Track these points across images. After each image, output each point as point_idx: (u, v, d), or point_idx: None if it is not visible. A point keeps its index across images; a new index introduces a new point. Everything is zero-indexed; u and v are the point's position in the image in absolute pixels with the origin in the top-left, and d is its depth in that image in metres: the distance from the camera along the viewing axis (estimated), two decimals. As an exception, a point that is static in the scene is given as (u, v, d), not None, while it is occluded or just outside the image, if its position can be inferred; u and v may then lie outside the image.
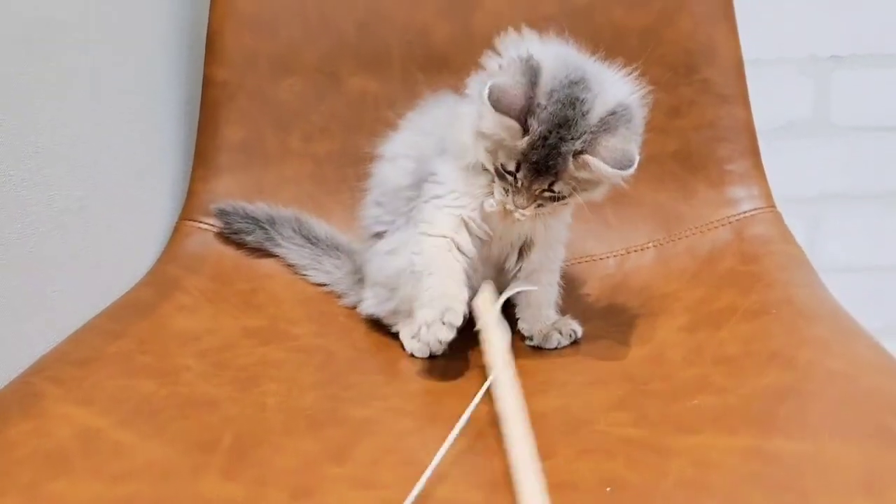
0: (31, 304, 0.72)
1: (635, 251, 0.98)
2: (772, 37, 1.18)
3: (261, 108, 1.01)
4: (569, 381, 0.72)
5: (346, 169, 1.01)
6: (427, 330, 0.71)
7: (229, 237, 0.97)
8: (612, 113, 0.69)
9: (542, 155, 0.68)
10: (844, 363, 0.66)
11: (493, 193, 0.73)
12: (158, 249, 0.96)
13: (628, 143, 0.68)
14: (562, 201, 0.71)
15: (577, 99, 0.68)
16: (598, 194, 0.73)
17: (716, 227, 0.96)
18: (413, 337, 0.77)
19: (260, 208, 0.96)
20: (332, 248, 0.93)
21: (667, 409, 0.65)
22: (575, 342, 0.80)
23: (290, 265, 0.95)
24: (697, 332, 0.78)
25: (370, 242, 0.84)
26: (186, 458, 0.59)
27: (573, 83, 0.68)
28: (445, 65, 1.02)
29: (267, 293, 0.91)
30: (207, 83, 1.02)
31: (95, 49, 0.82)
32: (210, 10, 1.02)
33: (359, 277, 0.88)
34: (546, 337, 0.80)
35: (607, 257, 0.98)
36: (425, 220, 0.76)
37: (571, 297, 0.87)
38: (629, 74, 0.73)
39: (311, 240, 0.94)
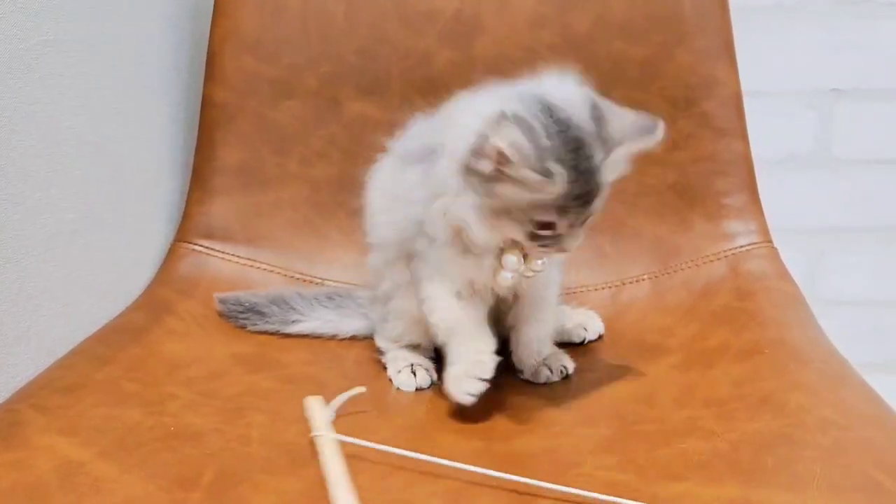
0: (20, 329, 0.72)
1: (630, 283, 0.97)
2: (774, 69, 1.17)
3: (259, 131, 1.01)
4: (557, 420, 0.72)
5: (344, 193, 1.01)
6: (457, 383, 0.70)
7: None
8: (594, 107, 0.67)
9: (584, 181, 0.65)
10: (835, 411, 0.65)
11: (502, 267, 0.71)
12: (152, 271, 0.95)
13: (626, 112, 0.68)
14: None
15: (564, 117, 0.65)
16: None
17: (711, 261, 0.96)
18: (398, 372, 0.79)
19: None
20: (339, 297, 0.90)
21: (654, 453, 0.64)
22: (566, 377, 0.80)
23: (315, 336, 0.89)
24: (689, 372, 0.77)
25: None
26: (166, 495, 0.58)
27: (545, 109, 0.66)
28: (446, 90, 1.00)
29: (259, 318, 0.91)
30: (206, 104, 1.01)
31: (90, 69, 0.82)
32: (210, 31, 1.02)
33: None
34: (536, 372, 0.79)
35: (602, 288, 0.98)
36: (427, 297, 0.74)
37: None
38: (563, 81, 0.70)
39: (329, 296, 0.90)
